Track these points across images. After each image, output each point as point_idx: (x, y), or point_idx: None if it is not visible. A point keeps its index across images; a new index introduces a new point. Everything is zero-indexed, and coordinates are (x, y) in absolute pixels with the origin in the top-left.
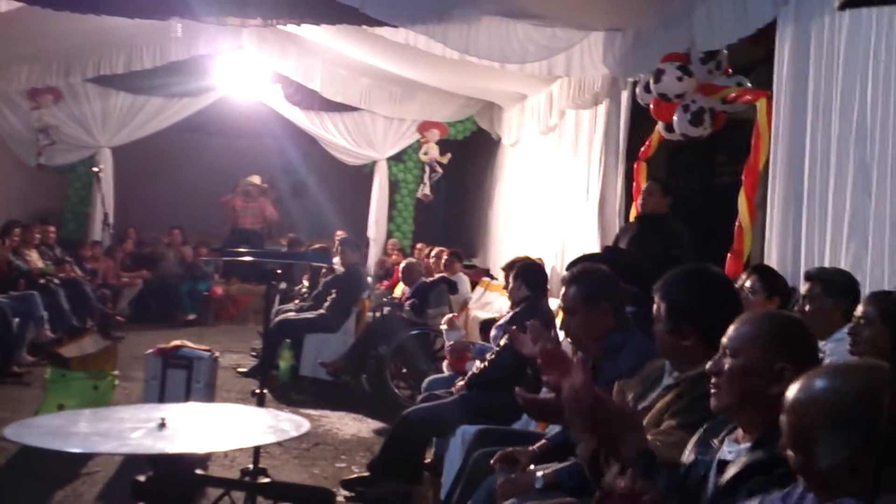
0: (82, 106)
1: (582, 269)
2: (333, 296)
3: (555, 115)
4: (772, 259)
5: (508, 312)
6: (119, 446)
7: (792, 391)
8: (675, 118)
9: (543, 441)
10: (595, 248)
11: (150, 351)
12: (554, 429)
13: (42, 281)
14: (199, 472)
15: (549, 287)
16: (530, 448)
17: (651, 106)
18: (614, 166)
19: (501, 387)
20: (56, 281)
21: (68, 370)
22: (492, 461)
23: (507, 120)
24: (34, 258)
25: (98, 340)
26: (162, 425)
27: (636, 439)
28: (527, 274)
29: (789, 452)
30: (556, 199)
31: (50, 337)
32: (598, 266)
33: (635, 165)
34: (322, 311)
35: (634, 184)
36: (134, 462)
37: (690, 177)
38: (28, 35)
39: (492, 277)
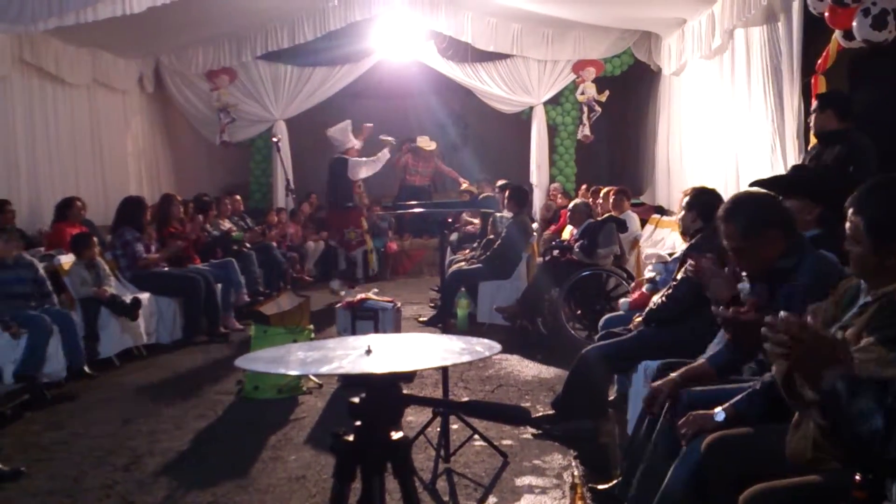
0: (255, 83)
1: (733, 203)
2: (499, 244)
3: (718, 37)
4: None
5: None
6: (335, 368)
7: None
8: (854, 24)
9: (700, 362)
10: (769, 172)
11: (340, 305)
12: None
13: (236, 247)
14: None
15: None
16: (670, 377)
17: (826, 14)
18: (790, 83)
19: (681, 320)
20: (248, 246)
21: (269, 326)
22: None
23: (667, 48)
24: (228, 227)
25: (293, 298)
26: (368, 351)
27: (840, 368)
28: (701, 203)
29: None
30: (726, 125)
31: (246, 301)
32: (753, 193)
33: (812, 80)
34: (492, 259)
35: (813, 100)
36: (334, 405)
37: (878, 87)
38: (201, 20)
39: (662, 213)
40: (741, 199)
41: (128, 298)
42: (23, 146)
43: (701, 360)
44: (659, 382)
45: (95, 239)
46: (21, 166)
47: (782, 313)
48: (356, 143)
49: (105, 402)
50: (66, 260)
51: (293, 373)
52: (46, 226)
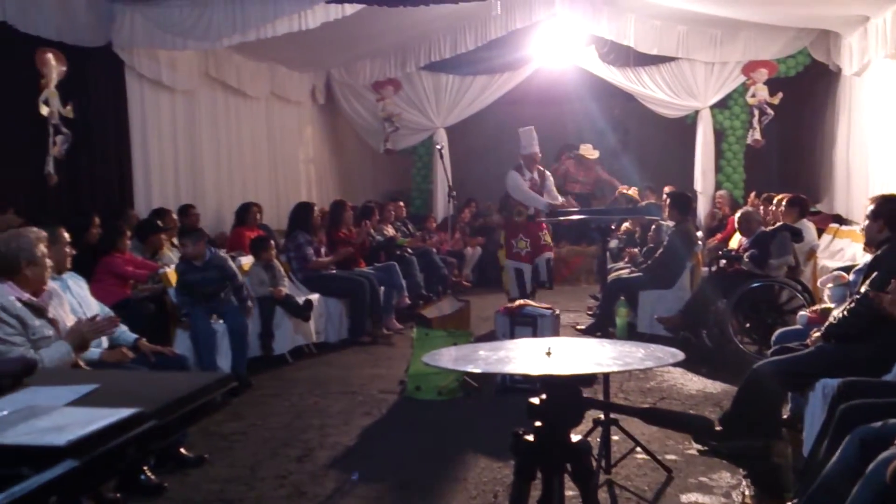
0: (418, 92)
1: None
2: (661, 252)
3: None
4: None
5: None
6: (516, 368)
7: None
8: None
9: None
10: None
11: (499, 310)
12: None
13: (398, 252)
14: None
15: None
16: None
17: None
18: None
19: (863, 337)
20: (409, 251)
21: (431, 329)
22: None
23: (847, 47)
24: (391, 233)
25: (454, 302)
26: (548, 353)
27: None
28: (889, 212)
29: None
30: None
31: (407, 304)
32: None
33: None
34: (654, 267)
35: None
36: (492, 408)
37: None
38: (369, 34)
39: (841, 223)
40: None
41: (300, 299)
42: (208, 155)
43: None
44: None
45: (272, 242)
46: (206, 174)
47: None
48: (537, 150)
49: (280, 396)
50: (246, 261)
51: (476, 370)
52: (228, 229)
